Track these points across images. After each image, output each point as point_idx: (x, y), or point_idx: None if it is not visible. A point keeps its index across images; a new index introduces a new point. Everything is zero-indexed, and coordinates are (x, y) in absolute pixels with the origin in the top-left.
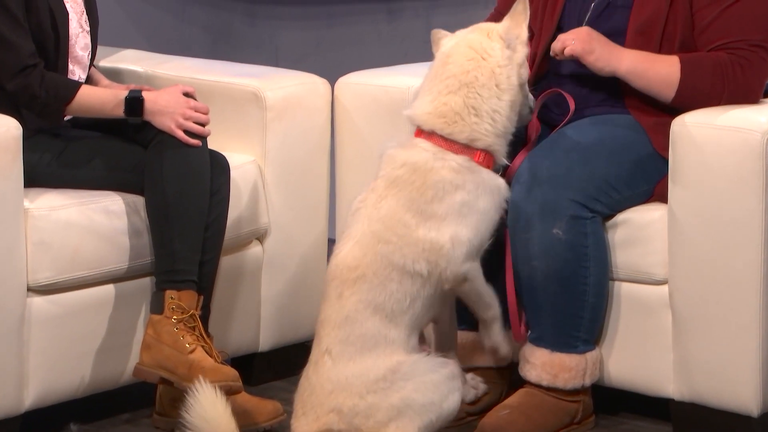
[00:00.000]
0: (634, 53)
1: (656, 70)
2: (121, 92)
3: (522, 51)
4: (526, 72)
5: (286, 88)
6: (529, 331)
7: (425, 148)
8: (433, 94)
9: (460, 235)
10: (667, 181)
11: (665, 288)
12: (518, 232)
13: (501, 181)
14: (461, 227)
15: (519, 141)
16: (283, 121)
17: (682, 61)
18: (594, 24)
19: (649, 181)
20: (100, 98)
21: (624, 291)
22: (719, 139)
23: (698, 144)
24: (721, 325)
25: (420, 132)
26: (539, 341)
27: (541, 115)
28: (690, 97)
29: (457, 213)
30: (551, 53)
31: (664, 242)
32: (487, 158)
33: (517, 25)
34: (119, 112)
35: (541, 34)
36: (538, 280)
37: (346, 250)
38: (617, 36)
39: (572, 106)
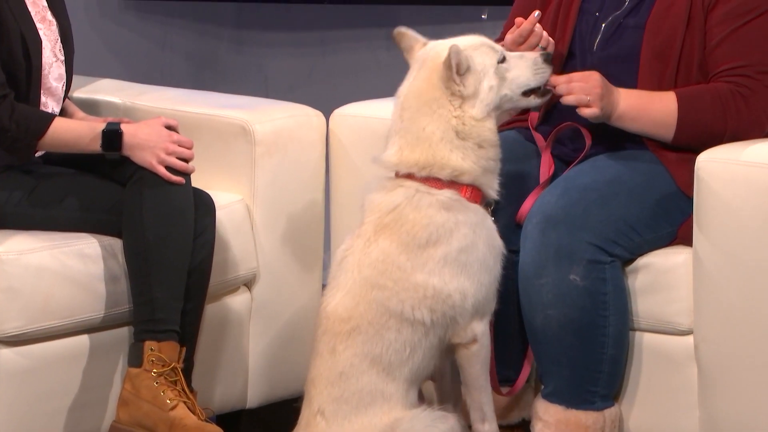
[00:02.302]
0: (627, 98)
1: (650, 115)
2: (98, 125)
3: (471, 85)
4: (491, 92)
5: (277, 121)
6: (543, 386)
7: (408, 186)
8: (395, 148)
9: (464, 287)
10: (691, 222)
11: (690, 339)
12: (530, 278)
13: (493, 225)
14: (463, 278)
15: (531, 178)
16: (273, 156)
17: (679, 99)
18: (605, 46)
19: (672, 223)
20: (74, 132)
21: (646, 342)
22: (747, 176)
23: (725, 181)
24: (752, 380)
25: (399, 174)
26: (553, 397)
27: (554, 151)
28: (689, 137)
29: (455, 261)
30: (556, 90)
31: (688, 289)
32: (474, 193)
33: (449, 77)
34: (96, 146)
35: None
36: (552, 330)
37: (336, 301)
38: (629, 59)
39: (588, 140)
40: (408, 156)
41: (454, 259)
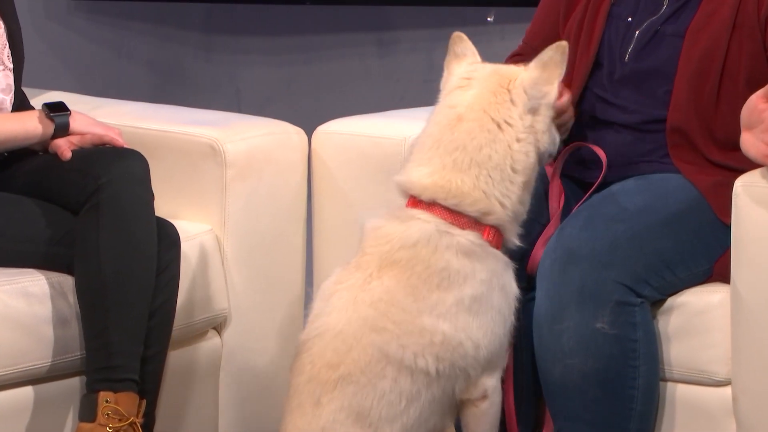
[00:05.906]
0: None
1: None
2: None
3: (546, 115)
4: (548, 139)
5: (251, 140)
6: None
7: (426, 220)
8: (435, 167)
9: (477, 336)
10: (728, 256)
11: (727, 390)
12: (548, 322)
13: (512, 273)
14: (476, 326)
15: (538, 206)
16: (246, 180)
17: None
18: (638, 57)
19: (710, 258)
20: (15, 119)
21: (677, 394)
22: None
23: (767, 209)
24: None
25: (416, 202)
26: None
27: (572, 173)
28: None
29: (467, 309)
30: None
31: (725, 332)
32: (496, 236)
33: (547, 80)
34: (45, 123)
35: (573, 70)
36: (573, 382)
37: (324, 343)
38: (666, 72)
39: (604, 160)
40: (446, 180)
41: (467, 307)
